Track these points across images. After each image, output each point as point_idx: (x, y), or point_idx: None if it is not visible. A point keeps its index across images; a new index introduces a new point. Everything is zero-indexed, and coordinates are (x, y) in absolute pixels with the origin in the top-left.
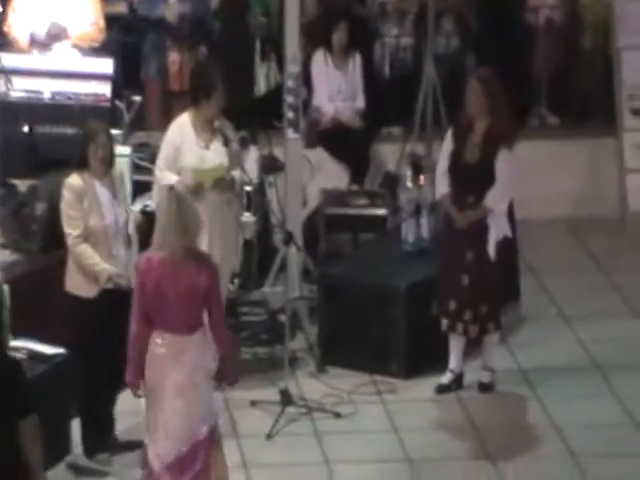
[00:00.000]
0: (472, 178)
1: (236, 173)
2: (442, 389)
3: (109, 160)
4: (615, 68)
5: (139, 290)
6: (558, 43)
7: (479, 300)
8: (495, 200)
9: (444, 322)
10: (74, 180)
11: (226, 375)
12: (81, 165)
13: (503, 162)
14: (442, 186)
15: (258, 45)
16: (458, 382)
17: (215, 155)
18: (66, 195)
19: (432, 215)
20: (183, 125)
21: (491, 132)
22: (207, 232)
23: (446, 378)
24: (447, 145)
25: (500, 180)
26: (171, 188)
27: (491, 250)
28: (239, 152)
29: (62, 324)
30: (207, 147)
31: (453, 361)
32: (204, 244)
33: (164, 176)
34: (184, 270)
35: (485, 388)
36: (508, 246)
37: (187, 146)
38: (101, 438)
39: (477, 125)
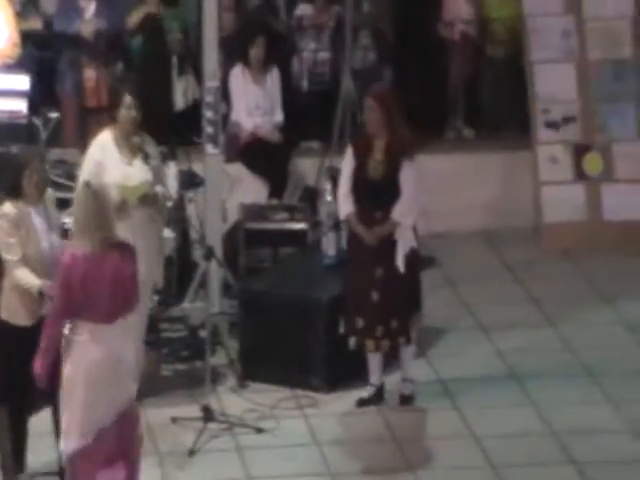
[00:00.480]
0: (377, 194)
1: (159, 189)
2: (363, 403)
3: (43, 185)
4: (529, 81)
5: (64, 285)
6: (472, 56)
7: (389, 315)
8: (403, 213)
9: (352, 340)
10: (8, 209)
11: None
12: (14, 193)
13: (407, 174)
14: (346, 206)
15: (175, 60)
16: (379, 395)
17: (138, 171)
18: (2, 224)
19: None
20: (105, 142)
21: (392, 147)
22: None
23: (366, 392)
24: (347, 165)
25: (406, 193)
26: (87, 184)
27: (400, 264)
28: (160, 167)
29: None
30: (130, 163)
31: (372, 375)
32: None
33: None
34: (108, 260)
35: (406, 400)
36: (415, 258)
37: (110, 162)
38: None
39: (377, 142)
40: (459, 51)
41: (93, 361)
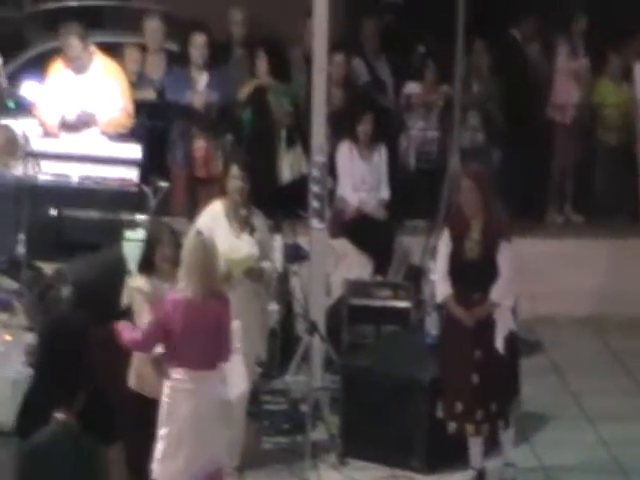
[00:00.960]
0: (475, 275)
1: (266, 264)
2: None
3: (175, 260)
4: (639, 167)
5: (159, 323)
6: (581, 141)
7: (489, 398)
8: (501, 294)
9: (451, 425)
10: (141, 283)
11: None
12: (146, 268)
13: (504, 255)
14: (444, 288)
15: (284, 133)
16: (481, 479)
17: (246, 244)
18: (138, 300)
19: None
20: (216, 212)
21: (489, 227)
22: (236, 318)
23: (468, 476)
24: (444, 246)
25: (504, 274)
26: (198, 232)
27: (499, 346)
28: (268, 241)
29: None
30: (238, 236)
31: (473, 459)
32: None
33: None
34: (208, 308)
35: None
36: (514, 341)
37: (220, 233)
38: None
39: (473, 222)
40: (568, 135)
41: (194, 406)
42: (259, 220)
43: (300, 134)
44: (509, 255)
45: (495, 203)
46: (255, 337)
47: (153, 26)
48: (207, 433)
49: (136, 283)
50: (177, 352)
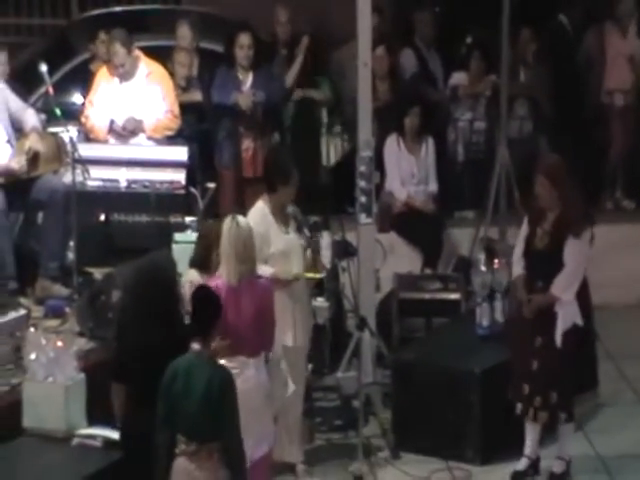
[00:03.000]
0: (542, 264)
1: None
2: (518, 476)
3: None
4: None
5: None
6: (633, 127)
7: (548, 386)
8: (561, 288)
9: (518, 406)
10: (195, 277)
11: None
12: (202, 267)
13: (571, 251)
14: (517, 267)
15: (325, 116)
16: (534, 468)
17: (296, 239)
18: (187, 291)
19: (506, 299)
20: (264, 214)
21: (561, 221)
22: (292, 318)
23: (522, 464)
24: (524, 230)
25: (568, 268)
26: (232, 217)
27: (558, 338)
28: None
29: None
30: (287, 232)
31: (528, 447)
32: (289, 329)
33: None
34: (247, 293)
35: (555, 478)
36: (579, 335)
37: (273, 234)
38: None
39: (549, 213)
40: (620, 120)
41: (249, 393)
42: (300, 216)
43: (339, 115)
44: (576, 251)
45: (571, 196)
46: (308, 332)
47: (183, 32)
48: (251, 419)
49: (189, 276)
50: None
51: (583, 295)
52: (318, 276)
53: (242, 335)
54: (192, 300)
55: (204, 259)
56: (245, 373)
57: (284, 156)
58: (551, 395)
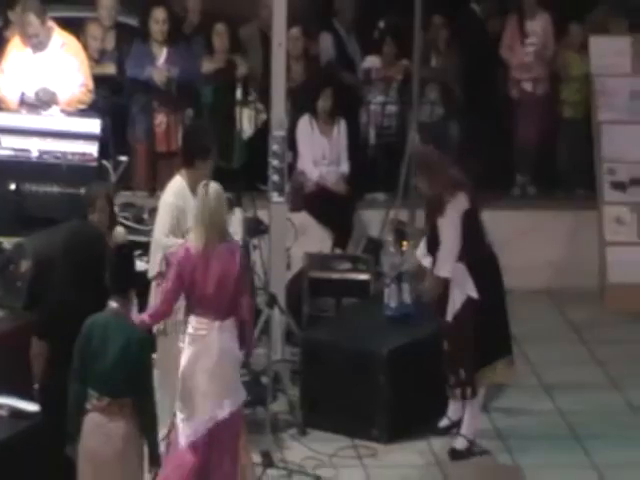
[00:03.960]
0: (429, 247)
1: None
2: (443, 431)
3: (108, 225)
4: (595, 141)
5: (177, 275)
6: (540, 115)
7: (457, 363)
8: (438, 265)
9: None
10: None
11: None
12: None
13: (441, 230)
14: (425, 261)
15: (240, 90)
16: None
17: None
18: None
19: (413, 280)
20: (181, 188)
21: (429, 204)
22: None
23: (443, 422)
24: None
25: (441, 246)
26: (205, 183)
27: (449, 315)
28: None
29: None
30: None
31: (450, 411)
32: None
33: (173, 242)
34: (216, 257)
35: (456, 455)
36: (476, 308)
37: (190, 209)
38: None
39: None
40: (528, 108)
41: (210, 355)
42: None
43: (256, 87)
44: (443, 228)
45: (435, 180)
46: None
47: (106, 2)
48: (205, 379)
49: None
50: (191, 301)
51: (480, 269)
52: None
53: (209, 298)
54: (111, 260)
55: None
56: (207, 348)
57: (202, 131)
58: (459, 372)
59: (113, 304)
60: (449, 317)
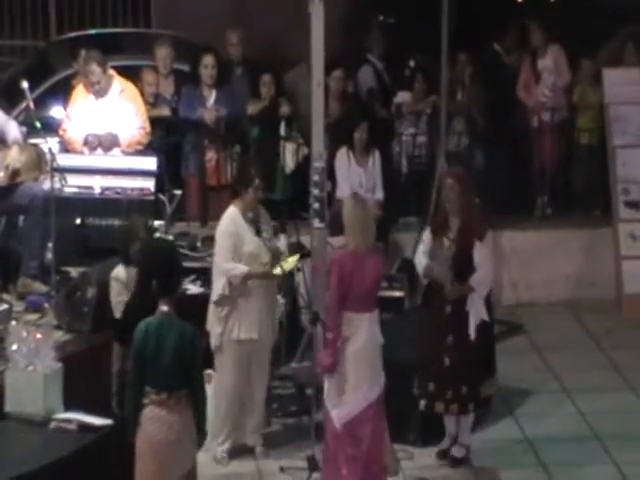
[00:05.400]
0: (457, 266)
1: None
2: (443, 453)
3: None
4: (610, 164)
5: (340, 278)
6: (558, 142)
7: (459, 380)
8: (479, 282)
9: (422, 403)
10: (120, 272)
11: None
12: (125, 259)
13: (481, 253)
14: (424, 261)
15: (283, 125)
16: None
17: (263, 241)
18: (114, 286)
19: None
20: (234, 216)
21: (465, 228)
22: (259, 314)
23: (444, 443)
24: (426, 241)
25: (483, 269)
26: (355, 194)
27: (472, 333)
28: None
29: None
30: (256, 234)
31: (448, 429)
32: (256, 324)
33: (234, 266)
34: (369, 260)
35: (457, 462)
36: (486, 330)
37: (245, 234)
38: None
39: (452, 223)
40: (544, 136)
41: (359, 342)
42: (266, 221)
43: (298, 123)
44: (484, 252)
45: (472, 205)
46: (274, 329)
47: (163, 53)
48: (363, 370)
49: (116, 273)
50: (348, 299)
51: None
52: (291, 264)
53: (364, 295)
54: (158, 265)
55: (127, 254)
56: (356, 335)
57: (247, 164)
58: (461, 388)
59: (163, 307)
60: (472, 335)
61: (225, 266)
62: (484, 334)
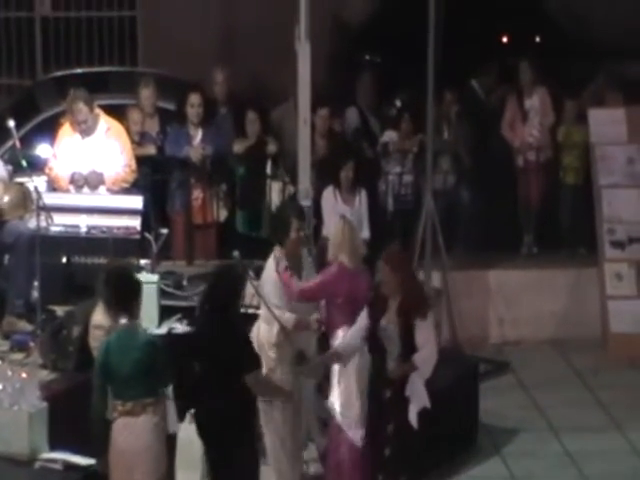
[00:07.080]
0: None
1: None
2: None
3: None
4: (596, 204)
5: (325, 283)
6: (543, 181)
7: (399, 470)
8: (423, 360)
9: None
10: (101, 319)
11: None
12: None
13: (423, 332)
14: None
15: (270, 164)
16: None
17: None
18: (95, 333)
19: None
20: (280, 261)
21: (404, 306)
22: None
23: None
24: (362, 322)
25: (427, 348)
26: (344, 217)
27: (413, 420)
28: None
29: None
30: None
31: None
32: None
33: (286, 316)
34: (360, 276)
35: None
36: (427, 417)
37: None
38: None
39: (391, 302)
40: (530, 176)
41: (362, 356)
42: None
43: (284, 162)
44: (426, 332)
45: (412, 282)
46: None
47: (146, 93)
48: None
49: (97, 320)
50: (342, 313)
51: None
52: None
53: (360, 308)
54: (114, 283)
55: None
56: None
57: (280, 212)
58: (399, 477)
59: (122, 320)
60: (413, 420)
61: (277, 314)
62: (425, 421)
